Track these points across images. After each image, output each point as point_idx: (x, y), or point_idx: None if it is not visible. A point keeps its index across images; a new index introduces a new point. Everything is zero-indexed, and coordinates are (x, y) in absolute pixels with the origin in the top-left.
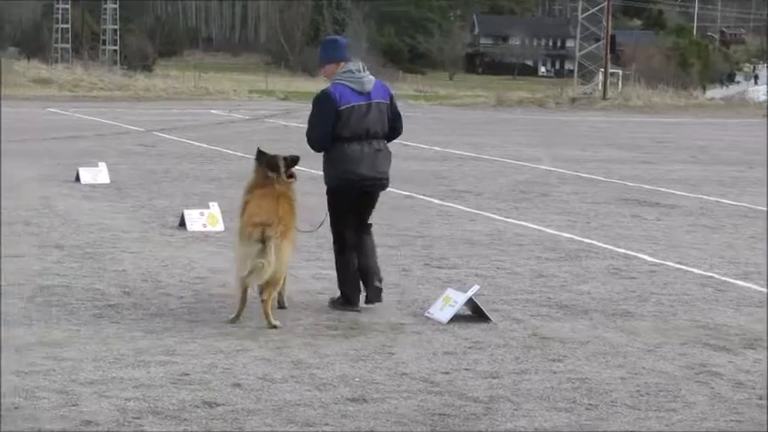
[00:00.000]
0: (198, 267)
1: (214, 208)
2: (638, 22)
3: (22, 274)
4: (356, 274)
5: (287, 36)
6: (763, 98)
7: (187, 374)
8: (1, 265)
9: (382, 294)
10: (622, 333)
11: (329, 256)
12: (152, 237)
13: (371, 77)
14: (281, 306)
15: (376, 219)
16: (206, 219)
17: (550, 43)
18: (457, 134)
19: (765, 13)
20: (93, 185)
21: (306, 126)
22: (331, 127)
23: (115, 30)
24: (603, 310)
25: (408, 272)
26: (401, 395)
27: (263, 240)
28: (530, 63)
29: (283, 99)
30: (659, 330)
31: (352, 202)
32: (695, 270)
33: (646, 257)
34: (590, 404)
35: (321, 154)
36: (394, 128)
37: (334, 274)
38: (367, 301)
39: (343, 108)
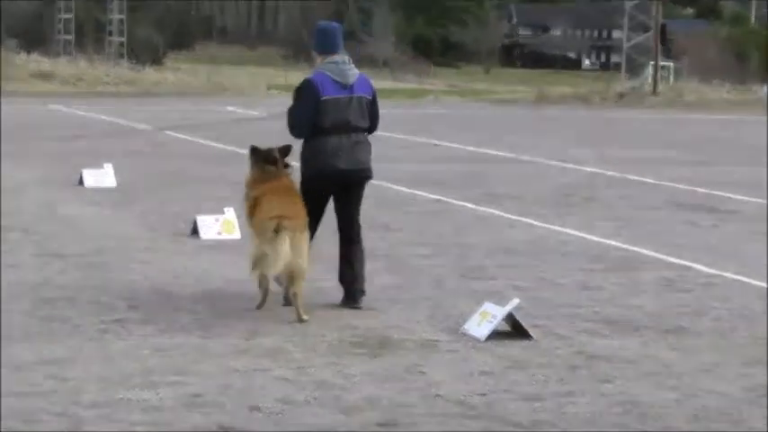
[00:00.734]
0: (212, 279)
1: (230, 214)
2: (690, 11)
3: (21, 286)
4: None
5: (309, 27)
6: None
7: (200, 396)
8: (0, 277)
9: (361, 299)
10: (676, 351)
11: None
12: (162, 245)
13: (356, 70)
14: (298, 318)
15: (406, 225)
16: (221, 226)
17: (595, 34)
18: (493, 133)
19: None
20: (97, 189)
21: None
22: (312, 114)
23: (122, 20)
24: (655, 326)
25: (442, 284)
26: (434, 419)
27: (290, 231)
28: (572, 55)
29: None
30: (717, 348)
31: (323, 197)
32: (756, 282)
33: (701, 268)
34: (642, 430)
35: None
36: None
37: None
38: (342, 305)
39: (324, 99)
